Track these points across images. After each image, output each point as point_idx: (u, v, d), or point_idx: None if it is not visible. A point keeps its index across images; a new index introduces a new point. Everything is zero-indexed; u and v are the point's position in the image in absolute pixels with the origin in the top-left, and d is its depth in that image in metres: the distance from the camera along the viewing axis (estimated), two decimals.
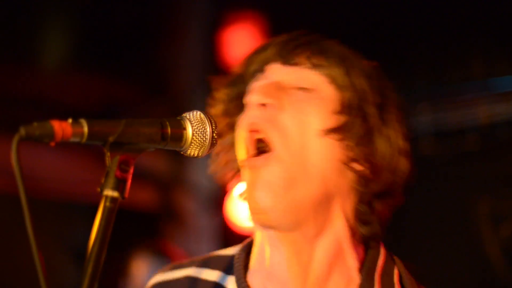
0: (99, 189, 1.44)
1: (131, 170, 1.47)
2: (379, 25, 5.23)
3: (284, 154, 1.79)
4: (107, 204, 1.44)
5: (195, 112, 1.58)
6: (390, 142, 1.88)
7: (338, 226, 1.86)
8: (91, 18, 5.77)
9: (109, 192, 1.44)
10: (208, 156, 1.60)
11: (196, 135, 1.57)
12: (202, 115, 1.59)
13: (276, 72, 1.91)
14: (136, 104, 5.87)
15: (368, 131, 1.86)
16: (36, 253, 1.34)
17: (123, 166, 1.45)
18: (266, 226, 1.83)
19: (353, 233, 1.89)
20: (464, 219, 5.05)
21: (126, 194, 1.45)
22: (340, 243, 1.87)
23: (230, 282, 1.93)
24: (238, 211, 5.64)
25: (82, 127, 1.43)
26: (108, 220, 1.43)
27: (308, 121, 1.82)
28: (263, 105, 1.83)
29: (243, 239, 2.00)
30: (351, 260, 1.88)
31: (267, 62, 1.94)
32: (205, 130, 1.58)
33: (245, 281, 1.91)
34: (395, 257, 2.00)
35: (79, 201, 5.25)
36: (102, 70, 5.78)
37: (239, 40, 5.99)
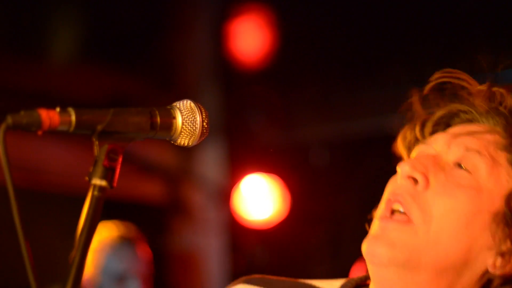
0: (87, 178, 1.44)
1: (120, 159, 1.46)
2: (386, 19, 5.20)
3: (422, 232, 1.65)
4: (95, 193, 1.43)
5: (185, 101, 1.57)
6: None
7: None
8: (99, 11, 5.78)
9: (97, 181, 1.44)
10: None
11: (186, 124, 1.55)
12: (192, 104, 1.57)
13: (449, 139, 1.74)
14: (144, 97, 5.87)
15: None
16: (23, 243, 1.34)
17: (111, 155, 1.45)
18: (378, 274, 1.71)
19: None
20: None
21: (115, 183, 1.45)
22: None
23: None
24: (246, 204, 5.63)
25: (69, 115, 1.42)
26: (96, 209, 1.42)
27: (456, 208, 1.65)
28: (413, 179, 1.69)
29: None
30: None
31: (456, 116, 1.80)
32: (195, 119, 1.56)
33: None
34: None
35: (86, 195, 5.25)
36: (109, 64, 5.79)
37: (247, 33, 5.99)
